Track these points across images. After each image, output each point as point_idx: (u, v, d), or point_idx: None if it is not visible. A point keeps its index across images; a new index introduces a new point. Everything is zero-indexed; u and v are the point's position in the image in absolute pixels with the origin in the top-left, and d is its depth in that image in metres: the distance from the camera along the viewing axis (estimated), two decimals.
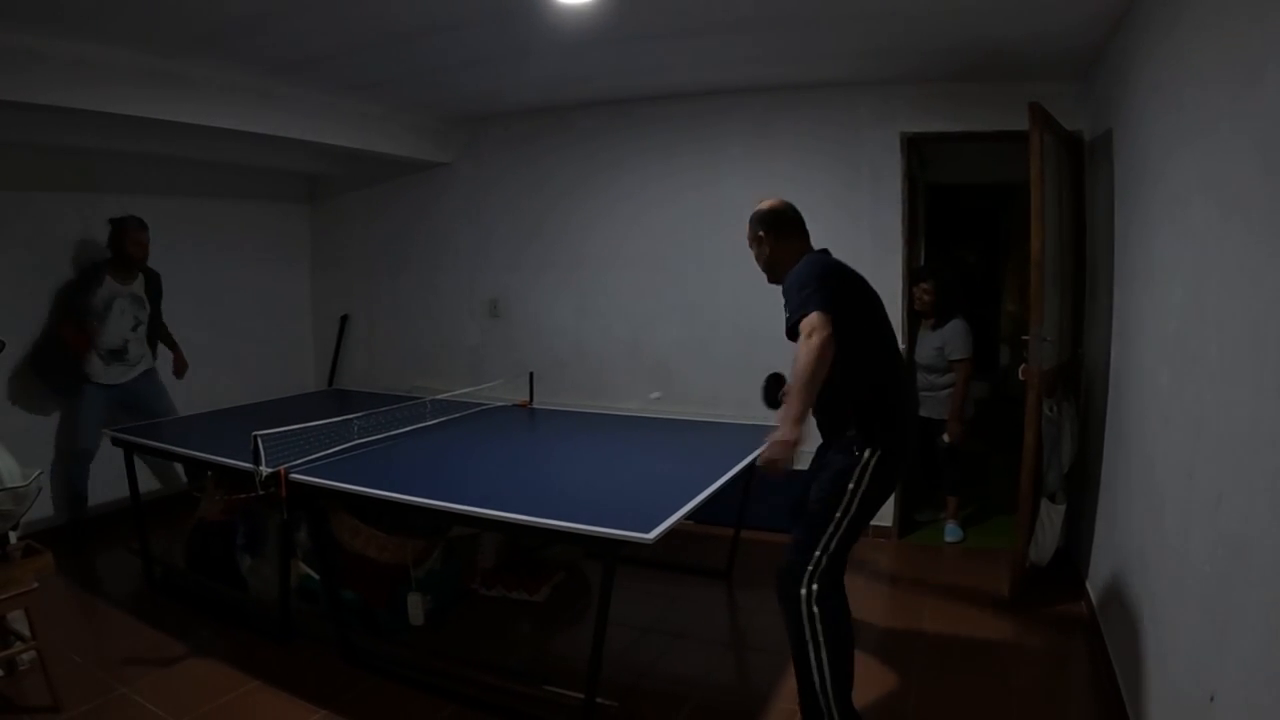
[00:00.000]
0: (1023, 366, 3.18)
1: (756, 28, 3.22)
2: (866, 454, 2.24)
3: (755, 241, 2.53)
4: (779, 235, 2.48)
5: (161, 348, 4.38)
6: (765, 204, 2.54)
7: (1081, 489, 3.46)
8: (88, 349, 4.00)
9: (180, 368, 4.43)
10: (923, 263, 5.04)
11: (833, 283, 2.24)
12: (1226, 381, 1.69)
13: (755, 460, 2.22)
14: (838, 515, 2.24)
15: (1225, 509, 1.64)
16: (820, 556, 2.23)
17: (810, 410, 2.12)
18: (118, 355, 4.11)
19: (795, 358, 2.09)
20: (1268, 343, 1.45)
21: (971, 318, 4.13)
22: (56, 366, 4.07)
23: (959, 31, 3.21)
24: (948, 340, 4.02)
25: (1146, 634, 2.27)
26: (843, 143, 4.18)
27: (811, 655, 2.22)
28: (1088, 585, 3.32)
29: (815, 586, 2.22)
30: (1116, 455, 2.92)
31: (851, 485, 2.24)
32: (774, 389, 2.76)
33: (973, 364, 4.05)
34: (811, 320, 2.10)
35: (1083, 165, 3.73)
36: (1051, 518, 3.26)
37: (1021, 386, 3.21)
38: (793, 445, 2.04)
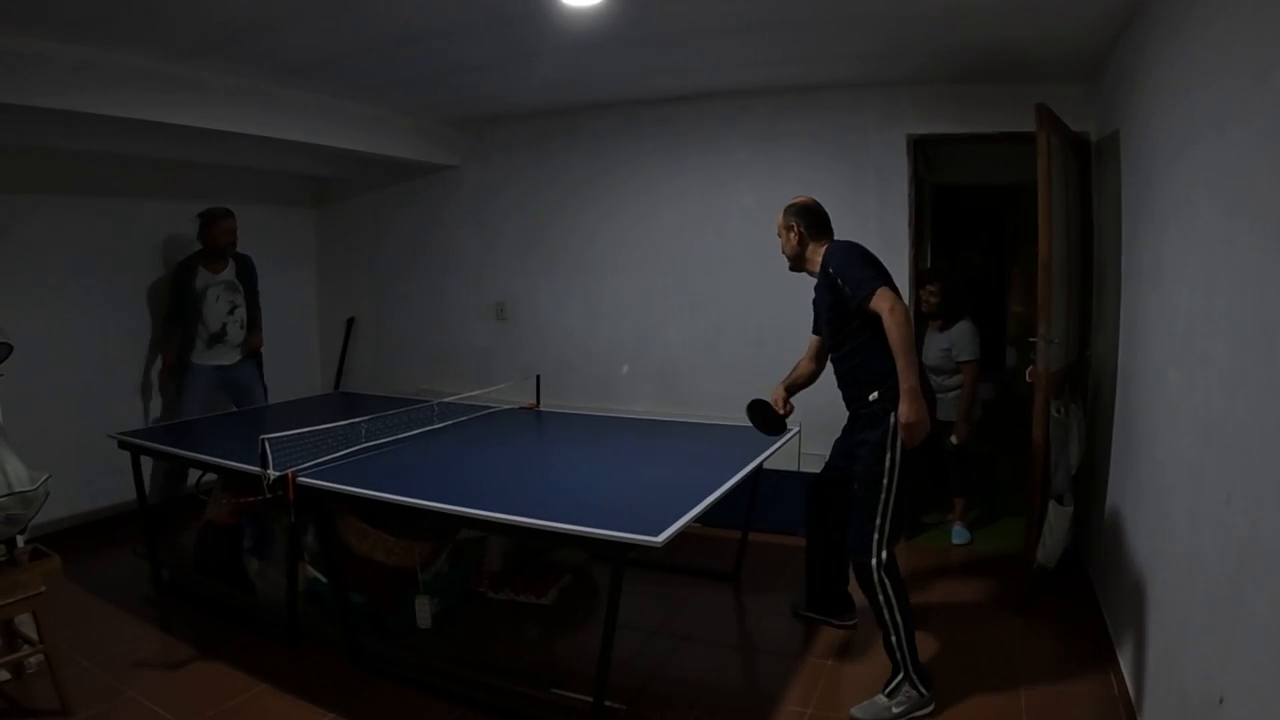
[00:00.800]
0: (1030, 369, 3.17)
1: (763, 30, 3.22)
2: (893, 418, 2.48)
3: (786, 230, 2.75)
4: (810, 228, 2.72)
5: None
6: (799, 200, 2.79)
7: (1089, 491, 3.44)
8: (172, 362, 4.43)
9: (254, 344, 4.59)
10: (929, 264, 5.03)
11: (878, 264, 2.56)
12: (1235, 382, 1.68)
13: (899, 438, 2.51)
14: (885, 481, 2.52)
15: (1234, 510, 1.63)
16: (882, 524, 2.52)
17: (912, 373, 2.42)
18: (218, 338, 4.39)
19: (887, 330, 2.39)
20: (1277, 343, 1.45)
21: (978, 319, 4.12)
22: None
23: (965, 33, 3.21)
24: (955, 342, 4.01)
25: (1155, 636, 2.26)
26: (849, 145, 4.18)
27: (887, 616, 2.51)
28: (1095, 587, 3.31)
29: (884, 554, 2.51)
30: (1124, 457, 2.91)
31: (889, 452, 2.51)
32: (767, 416, 2.97)
33: (980, 365, 4.04)
34: (884, 295, 2.41)
35: (1089, 166, 3.72)
36: (1059, 519, 3.24)
37: (1028, 388, 3.19)
38: (922, 414, 2.41)
